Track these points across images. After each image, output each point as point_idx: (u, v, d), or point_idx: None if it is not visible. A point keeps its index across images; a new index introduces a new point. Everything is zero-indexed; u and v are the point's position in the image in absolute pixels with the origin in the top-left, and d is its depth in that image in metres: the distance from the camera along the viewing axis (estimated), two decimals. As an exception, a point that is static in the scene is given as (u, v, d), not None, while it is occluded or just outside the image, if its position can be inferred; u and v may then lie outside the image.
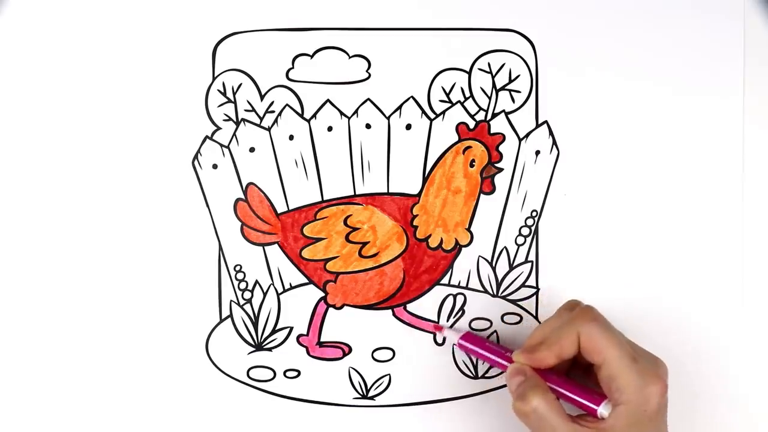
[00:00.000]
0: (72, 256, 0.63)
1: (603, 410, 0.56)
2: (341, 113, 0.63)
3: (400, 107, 0.63)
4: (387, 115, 0.63)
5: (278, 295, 0.64)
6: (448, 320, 0.65)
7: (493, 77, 0.63)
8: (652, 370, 0.55)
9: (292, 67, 0.63)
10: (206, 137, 0.63)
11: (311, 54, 0.63)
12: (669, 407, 0.56)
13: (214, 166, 0.63)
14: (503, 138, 0.64)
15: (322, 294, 0.64)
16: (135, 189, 0.63)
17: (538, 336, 0.59)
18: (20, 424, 0.64)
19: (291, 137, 0.63)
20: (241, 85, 0.63)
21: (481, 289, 0.65)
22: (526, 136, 0.64)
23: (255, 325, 0.64)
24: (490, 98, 0.64)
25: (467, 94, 0.63)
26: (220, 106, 0.63)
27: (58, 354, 0.63)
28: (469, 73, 0.63)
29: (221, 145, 0.63)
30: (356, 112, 0.63)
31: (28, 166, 0.63)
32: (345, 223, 0.64)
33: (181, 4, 0.62)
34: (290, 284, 0.64)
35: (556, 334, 0.57)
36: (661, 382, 0.55)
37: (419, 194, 0.64)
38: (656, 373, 0.55)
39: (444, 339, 0.65)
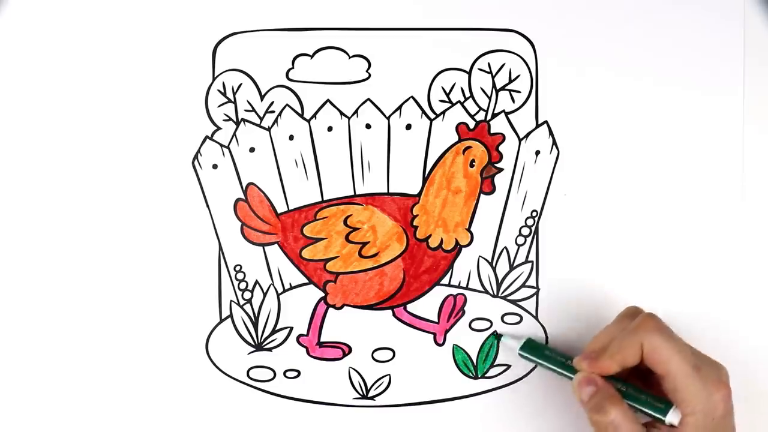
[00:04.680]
0: (72, 256, 0.63)
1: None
2: (341, 113, 0.63)
3: (400, 107, 0.63)
4: (387, 115, 0.63)
5: (278, 295, 0.64)
6: (448, 320, 0.65)
7: (493, 77, 0.63)
8: (715, 377, 0.55)
9: (292, 67, 0.63)
10: (206, 137, 0.63)
11: (311, 54, 0.63)
12: None
13: (214, 166, 0.63)
14: (503, 138, 0.64)
15: (322, 294, 0.64)
16: (135, 189, 0.63)
17: (599, 343, 0.58)
18: (20, 424, 0.64)
19: (291, 137, 0.63)
20: (241, 85, 0.63)
21: (482, 290, 0.65)
22: (526, 136, 0.64)
23: (255, 325, 0.64)
24: (490, 98, 0.64)
25: (467, 94, 0.63)
26: (220, 106, 0.63)
27: (58, 354, 0.63)
28: (469, 73, 0.63)
29: (221, 145, 0.63)
30: (356, 112, 0.63)
31: (28, 166, 0.63)
32: (345, 223, 0.64)
33: (181, 4, 0.62)
34: (290, 284, 0.64)
35: (619, 342, 0.57)
36: (725, 387, 0.55)
37: (419, 194, 0.64)
38: (719, 379, 0.55)
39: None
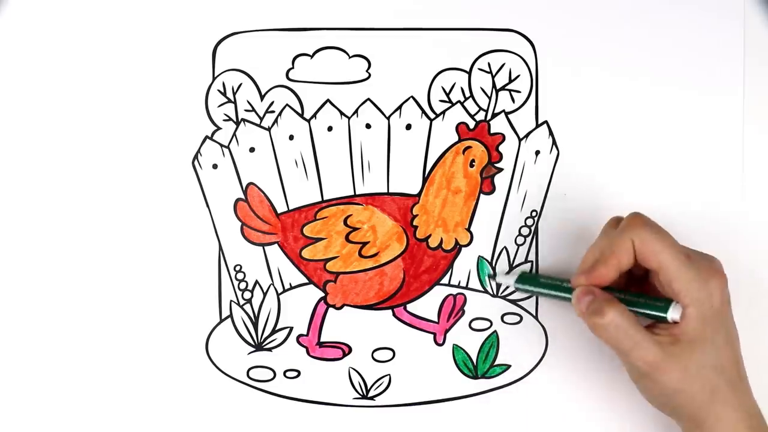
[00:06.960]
0: (72, 256, 0.63)
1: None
2: (341, 113, 0.63)
3: (400, 107, 0.63)
4: (387, 115, 0.63)
5: (278, 295, 0.64)
6: (448, 320, 0.65)
7: (493, 77, 0.63)
8: (709, 266, 0.56)
9: (292, 67, 0.63)
10: (206, 137, 0.63)
11: (311, 54, 0.63)
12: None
13: (214, 166, 0.63)
14: (503, 138, 0.64)
15: (322, 294, 0.64)
16: (135, 189, 0.63)
17: (591, 257, 0.58)
18: (20, 424, 0.64)
19: (291, 137, 0.63)
20: (241, 85, 0.63)
21: (481, 289, 0.65)
22: (526, 136, 0.64)
23: (255, 325, 0.64)
24: (490, 98, 0.64)
25: (467, 94, 0.63)
26: (220, 106, 0.63)
27: (58, 354, 0.63)
28: (469, 73, 0.63)
29: (221, 145, 0.63)
30: (356, 112, 0.63)
31: (28, 166, 0.63)
32: (345, 223, 0.64)
33: (181, 4, 0.62)
34: (290, 284, 0.64)
35: (610, 248, 0.57)
36: (720, 275, 0.56)
37: (419, 194, 0.64)
38: (713, 267, 0.56)
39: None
